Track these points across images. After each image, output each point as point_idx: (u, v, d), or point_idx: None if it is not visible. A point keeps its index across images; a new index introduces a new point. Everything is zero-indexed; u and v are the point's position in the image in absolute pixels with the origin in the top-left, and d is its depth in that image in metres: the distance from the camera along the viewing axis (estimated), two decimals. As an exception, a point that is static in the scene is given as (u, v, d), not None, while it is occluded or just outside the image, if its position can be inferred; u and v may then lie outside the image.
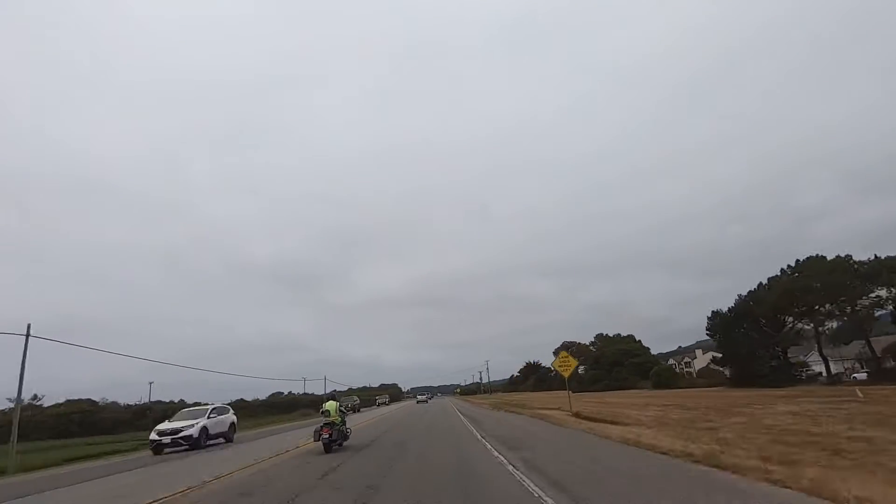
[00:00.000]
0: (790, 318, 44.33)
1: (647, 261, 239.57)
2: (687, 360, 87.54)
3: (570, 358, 24.03)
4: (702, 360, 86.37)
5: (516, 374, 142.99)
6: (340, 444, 13.70)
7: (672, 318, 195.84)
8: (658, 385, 58.69)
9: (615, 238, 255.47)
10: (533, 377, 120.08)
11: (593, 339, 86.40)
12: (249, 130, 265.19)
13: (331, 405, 14.23)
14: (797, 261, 41.90)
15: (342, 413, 14.57)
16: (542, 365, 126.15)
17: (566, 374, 23.33)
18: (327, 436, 13.03)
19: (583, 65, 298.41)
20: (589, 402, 36.61)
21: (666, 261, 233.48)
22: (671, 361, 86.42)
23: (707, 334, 49.12)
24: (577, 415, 20.41)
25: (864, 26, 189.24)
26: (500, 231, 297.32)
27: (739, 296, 45.04)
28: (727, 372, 53.17)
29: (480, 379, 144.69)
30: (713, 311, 47.27)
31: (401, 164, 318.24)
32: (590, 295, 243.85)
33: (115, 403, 71.26)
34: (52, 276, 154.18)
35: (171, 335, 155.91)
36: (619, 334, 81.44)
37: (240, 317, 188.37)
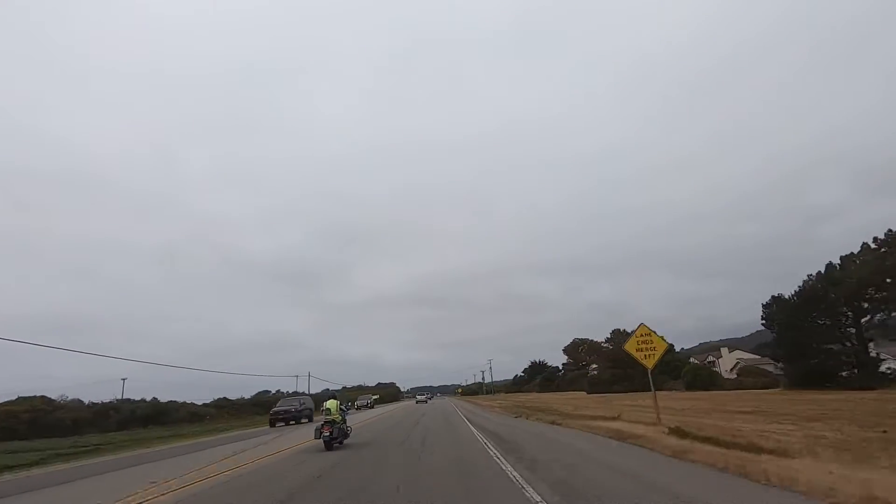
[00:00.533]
0: (868, 305, 35.20)
1: (652, 261, 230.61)
2: (711, 359, 78.18)
3: (655, 336, 14.94)
4: (728, 360, 77.15)
5: (520, 373, 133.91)
6: (341, 443, 13.52)
7: (673, 319, 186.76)
8: (692, 386, 49.46)
9: (620, 238, 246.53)
10: (539, 377, 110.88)
11: (608, 336, 77.06)
12: (249, 127, 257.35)
13: (331, 404, 13.98)
14: (889, 231, 32.83)
15: (343, 412, 14.32)
16: (549, 364, 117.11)
17: (650, 364, 14.32)
18: (328, 434, 12.93)
19: (590, 62, 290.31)
20: (633, 406, 27.54)
21: (671, 261, 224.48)
22: (692, 360, 77.08)
23: (763, 325, 39.96)
24: (678, 433, 11.46)
25: (876, 26, 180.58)
26: (502, 229, 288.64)
27: (809, 276, 35.95)
28: (781, 370, 44.02)
29: (483, 379, 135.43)
30: (772, 297, 38.10)
31: (402, 160, 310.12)
32: (593, 295, 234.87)
33: (76, 401, 62.18)
34: (46, 273, 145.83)
35: (166, 332, 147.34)
36: (638, 330, 72.02)
37: (236, 314, 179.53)
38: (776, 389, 40.14)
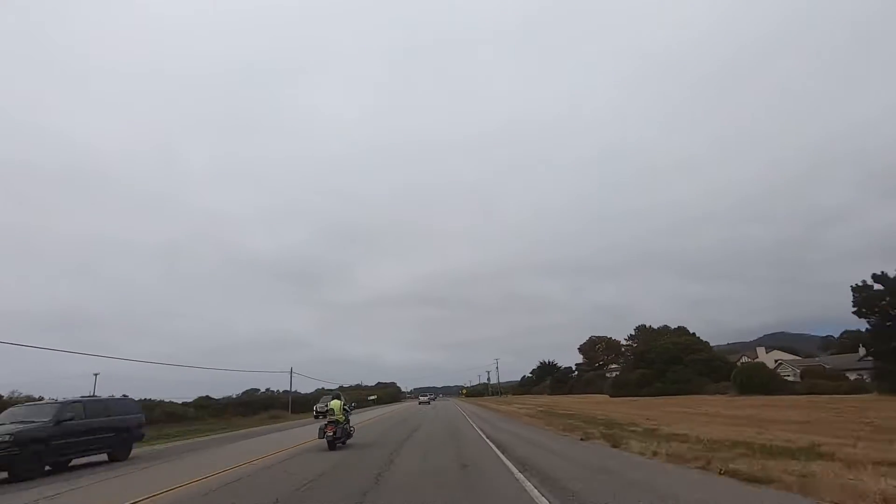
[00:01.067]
0: None
1: (656, 263, 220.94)
2: (745, 358, 68.67)
3: None
4: (766, 361, 67.78)
5: (528, 374, 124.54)
6: (344, 443, 13.02)
7: (681, 322, 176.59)
8: (745, 390, 40.19)
9: (624, 238, 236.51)
10: (549, 378, 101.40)
11: (632, 334, 67.77)
12: (251, 126, 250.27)
13: (335, 404, 13.50)
14: None
15: (346, 412, 13.61)
16: (559, 365, 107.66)
17: None
18: (331, 433, 12.48)
19: (594, 62, 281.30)
20: (733, 419, 18.29)
21: (676, 263, 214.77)
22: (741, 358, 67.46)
23: (854, 314, 30.68)
24: None
25: (888, 24, 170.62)
26: (506, 229, 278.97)
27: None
28: (864, 371, 34.81)
29: (488, 379, 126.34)
30: (874, 275, 28.95)
31: (405, 160, 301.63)
32: (597, 296, 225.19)
33: (32, 398, 53.58)
34: (46, 269, 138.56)
35: (167, 330, 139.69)
36: (666, 326, 62.81)
37: (237, 313, 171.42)
38: (869, 395, 30.93)
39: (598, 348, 77.53)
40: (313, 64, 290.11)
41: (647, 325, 66.14)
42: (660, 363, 54.39)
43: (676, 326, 61.27)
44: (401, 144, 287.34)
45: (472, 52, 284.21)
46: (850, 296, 29.88)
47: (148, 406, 57.45)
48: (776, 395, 37.98)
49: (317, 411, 39.06)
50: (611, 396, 58.10)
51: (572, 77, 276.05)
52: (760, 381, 40.20)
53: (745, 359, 69.58)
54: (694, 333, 58.83)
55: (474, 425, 18.91)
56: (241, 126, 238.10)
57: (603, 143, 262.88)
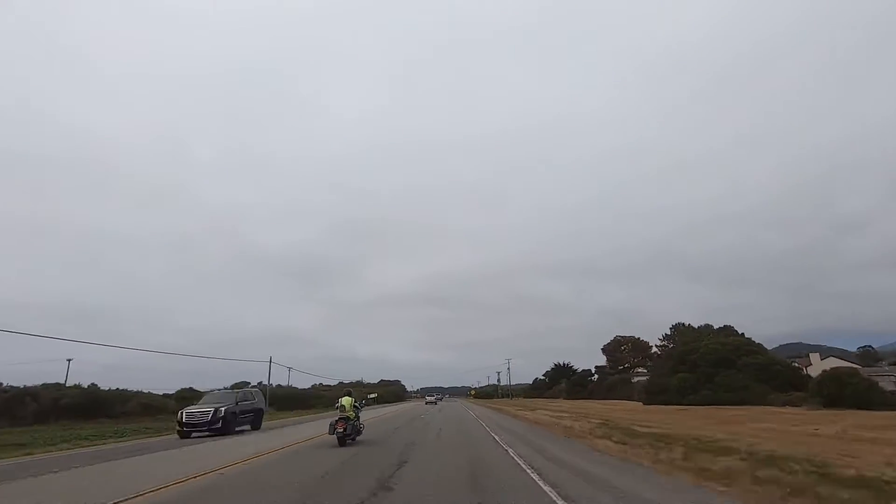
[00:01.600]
0: None
1: (666, 267, 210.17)
2: (796, 365, 59.46)
3: None
4: (819, 367, 58.78)
5: (541, 376, 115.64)
6: (353, 439, 13.06)
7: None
8: (834, 402, 31.53)
9: (634, 241, 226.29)
10: (565, 381, 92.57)
11: (667, 333, 58.93)
12: (261, 121, 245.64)
13: (346, 400, 13.38)
14: None
15: (356, 409, 13.58)
16: (575, 368, 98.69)
17: None
18: (342, 430, 12.47)
19: (606, 61, 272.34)
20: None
21: (689, 267, 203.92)
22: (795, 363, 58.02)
23: None
24: None
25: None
26: (512, 230, 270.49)
27: None
28: None
29: (498, 380, 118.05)
30: None
31: (414, 159, 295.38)
32: (606, 299, 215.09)
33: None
34: (50, 261, 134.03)
35: (170, 323, 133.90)
36: (708, 325, 53.90)
37: (242, 308, 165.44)
38: None
39: (624, 349, 68.92)
40: (316, 64, 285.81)
41: (685, 324, 57.47)
42: (705, 366, 45.80)
43: (722, 325, 52.37)
44: (411, 143, 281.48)
45: (473, 52, 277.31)
46: (870, 307, 21.24)
47: (121, 397, 49.46)
48: (876, 409, 29.35)
49: (183, 421, 18.34)
50: (645, 404, 49.51)
51: (572, 77, 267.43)
52: (855, 393, 31.44)
53: (794, 364, 60.58)
54: (742, 334, 49.91)
55: (522, 464, 10.73)
56: (249, 123, 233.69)
57: (605, 144, 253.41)
